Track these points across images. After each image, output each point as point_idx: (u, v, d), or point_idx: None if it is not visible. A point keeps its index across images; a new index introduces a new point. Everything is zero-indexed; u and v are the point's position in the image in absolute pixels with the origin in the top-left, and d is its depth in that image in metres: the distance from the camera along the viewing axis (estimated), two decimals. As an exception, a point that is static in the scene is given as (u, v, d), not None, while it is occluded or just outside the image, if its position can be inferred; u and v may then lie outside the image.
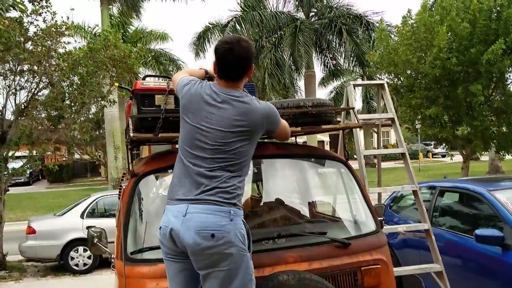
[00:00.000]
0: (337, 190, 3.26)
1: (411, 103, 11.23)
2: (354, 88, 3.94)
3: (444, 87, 10.54)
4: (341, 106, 4.78)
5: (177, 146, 2.35)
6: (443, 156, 36.94)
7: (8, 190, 8.82)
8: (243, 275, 2.14)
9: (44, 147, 9.09)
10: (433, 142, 20.89)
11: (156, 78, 2.98)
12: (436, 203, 5.21)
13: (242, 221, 2.18)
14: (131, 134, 2.55)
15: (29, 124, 8.77)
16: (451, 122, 11.25)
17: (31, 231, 8.57)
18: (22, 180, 27.12)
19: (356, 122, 3.17)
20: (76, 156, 28.13)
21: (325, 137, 36.61)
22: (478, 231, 4.01)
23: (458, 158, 20.48)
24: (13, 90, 8.55)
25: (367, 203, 3.00)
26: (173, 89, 2.62)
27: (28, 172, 16.91)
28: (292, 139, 3.42)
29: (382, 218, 3.20)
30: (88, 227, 3.00)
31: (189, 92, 2.30)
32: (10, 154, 8.53)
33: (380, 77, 13.03)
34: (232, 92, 2.24)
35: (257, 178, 3.24)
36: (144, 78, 2.81)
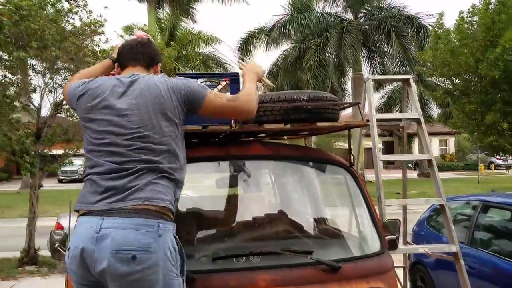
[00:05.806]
0: (338, 201, 2.74)
1: (465, 109, 10.35)
2: (375, 84, 3.41)
3: (504, 91, 9.59)
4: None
5: None
6: (508, 168, 34.14)
7: (42, 186, 8.92)
8: None
9: (78, 145, 9.12)
10: (488, 151, 19.36)
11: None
12: (478, 220, 4.51)
13: (174, 236, 1.73)
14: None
15: (64, 122, 8.84)
16: (510, 130, 10.23)
17: (59, 227, 8.58)
18: (76, 177, 28.22)
19: (361, 119, 2.65)
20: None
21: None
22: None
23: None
24: (50, 88, 8.66)
25: (371, 217, 2.47)
26: None
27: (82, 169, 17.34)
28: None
29: (395, 236, 2.67)
30: (52, 231, 2.71)
31: None
32: (45, 151, 8.61)
33: (430, 79, 12.18)
34: None
35: (235, 183, 2.71)
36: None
